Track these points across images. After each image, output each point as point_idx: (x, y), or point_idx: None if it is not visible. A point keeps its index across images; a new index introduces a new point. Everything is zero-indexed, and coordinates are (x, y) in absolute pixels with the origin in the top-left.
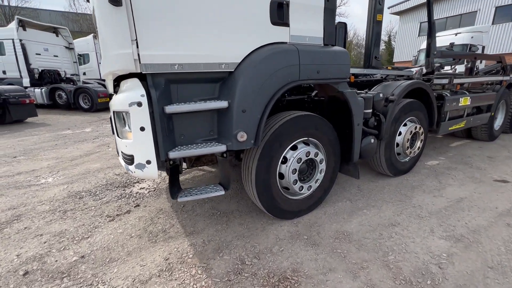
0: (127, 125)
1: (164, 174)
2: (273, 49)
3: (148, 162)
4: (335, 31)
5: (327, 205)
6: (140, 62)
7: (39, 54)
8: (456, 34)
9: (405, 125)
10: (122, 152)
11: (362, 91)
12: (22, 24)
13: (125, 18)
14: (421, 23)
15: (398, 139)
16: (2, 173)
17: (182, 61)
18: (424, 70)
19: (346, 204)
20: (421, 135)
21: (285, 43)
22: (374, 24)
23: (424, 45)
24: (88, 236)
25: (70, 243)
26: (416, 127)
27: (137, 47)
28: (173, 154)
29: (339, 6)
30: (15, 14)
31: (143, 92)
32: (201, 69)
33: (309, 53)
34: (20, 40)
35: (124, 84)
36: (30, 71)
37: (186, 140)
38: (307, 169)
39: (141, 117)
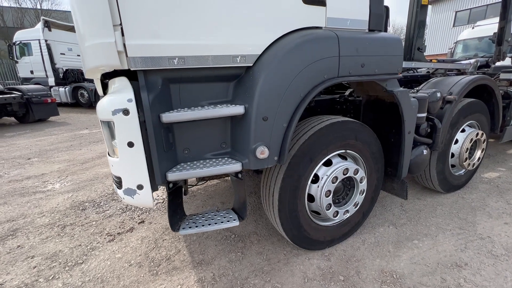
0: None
1: None
2: (305, 36)
3: (140, 187)
4: (384, 13)
5: (365, 230)
6: (126, 56)
7: (64, 54)
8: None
9: (463, 131)
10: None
11: (411, 89)
12: (48, 25)
13: None
14: (456, 12)
15: (454, 148)
16: (13, 177)
17: (184, 53)
18: (481, 64)
19: (390, 231)
20: (483, 143)
21: (320, 28)
22: (418, 8)
23: (463, 35)
24: (83, 261)
25: (61, 269)
26: (477, 134)
27: (122, 34)
28: (172, 176)
29: None
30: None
31: (131, 96)
32: (209, 63)
33: (352, 41)
34: (46, 41)
35: (111, 85)
36: (55, 71)
37: (191, 155)
38: (343, 189)
39: (128, 129)
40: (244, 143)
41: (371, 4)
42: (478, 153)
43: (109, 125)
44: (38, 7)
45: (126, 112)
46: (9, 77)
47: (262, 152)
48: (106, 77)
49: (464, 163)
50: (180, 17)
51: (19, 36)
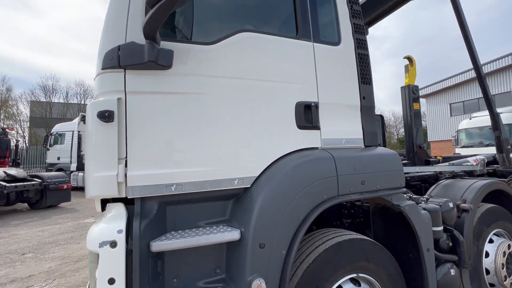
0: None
1: None
2: (301, 158)
3: None
4: (377, 130)
5: None
6: (126, 185)
7: None
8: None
9: (491, 241)
10: None
11: (420, 198)
12: (84, 119)
13: (114, 135)
14: (450, 104)
15: (487, 263)
16: None
17: (182, 180)
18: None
19: None
20: None
21: (316, 148)
22: (412, 113)
23: (463, 125)
24: None
25: None
26: (509, 246)
27: (126, 166)
28: None
29: None
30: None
31: (122, 226)
32: (206, 188)
33: (349, 160)
34: (79, 132)
35: (108, 209)
36: (79, 157)
37: (181, 283)
38: None
39: (112, 263)
40: (239, 273)
41: (363, 124)
42: None
43: (94, 256)
44: (82, 102)
45: (113, 244)
46: (38, 162)
47: (259, 286)
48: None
49: (505, 283)
50: (181, 148)
51: (57, 128)
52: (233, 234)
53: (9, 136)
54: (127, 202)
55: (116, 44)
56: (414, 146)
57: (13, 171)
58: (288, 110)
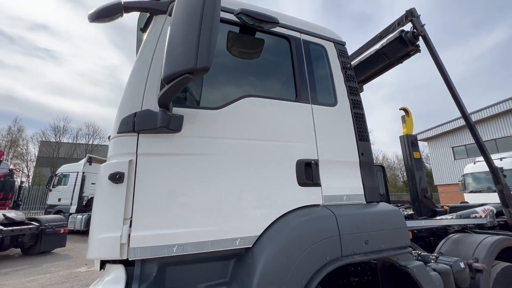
0: None
1: None
2: (302, 216)
3: None
4: (377, 185)
5: None
6: (128, 246)
7: (94, 184)
8: (501, 159)
9: None
10: None
11: (430, 256)
12: (90, 161)
13: (123, 195)
14: (453, 148)
15: None
16: None
17: (183, 241)
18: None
19: None
20: None
21: (318, 205)
22: (413, 162)
23: (468, 169)
24: None
25: None
26: None
27: (130, 226)
28: None
29: None
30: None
31: None
32: (208, 248)
33: (351, 218)
34: (83, 173)
35: (107, 271)
36: (80, 198)
37: None
38: None
39: None
40: None
41: (363, 180)
42: None
43: None
44: (90, 143)
45: None
46: (39, 202)
47: None
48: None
49: None
50: (185, 209)
51: (63, 169)
52: None
53: (15, 177)
54: (127, 263)
55: (133, 111)
56: (419, 195)
57: (12, 213)
58: (289, 168)
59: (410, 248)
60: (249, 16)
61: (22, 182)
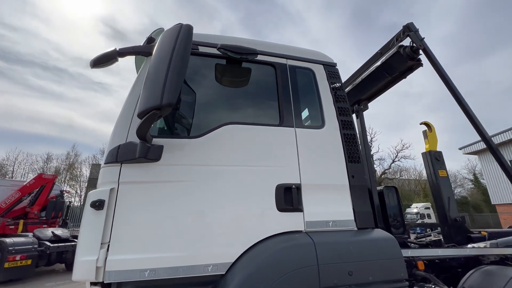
0: None
1: None
2: (277, 244)
3: None
4: (370, 210)
5: None
6: (104, 269)
7: None
8: None
9: None
10: None
11: None
12: None
13: (101, 221)
14: (510, 161)
15: None
16: None
17: (155, 266)
18: None
19: None
20: None
21: (299, 231)
22: (438, 181)
23: None
24: None
25: None
26: None
27: (107, 250)
28: None
29: (402, 150)
30: None
31: None
32: (179, 274)
33: (333, 246)
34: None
35: None
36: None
37: None
38: None
39: None
40: None
41: (354, 204)
42: None
43: None
44: None
45: None
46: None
47: None
48: None
49: None
50: (159, 232)
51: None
52: None
53: (65, 198)
54: (107, 285)
55: (118, 144)
56: (448, 219)
57: (59, 231)
58: (268, 194)
59: (407, 282)
60: (228, 50)
61: (70, 202)
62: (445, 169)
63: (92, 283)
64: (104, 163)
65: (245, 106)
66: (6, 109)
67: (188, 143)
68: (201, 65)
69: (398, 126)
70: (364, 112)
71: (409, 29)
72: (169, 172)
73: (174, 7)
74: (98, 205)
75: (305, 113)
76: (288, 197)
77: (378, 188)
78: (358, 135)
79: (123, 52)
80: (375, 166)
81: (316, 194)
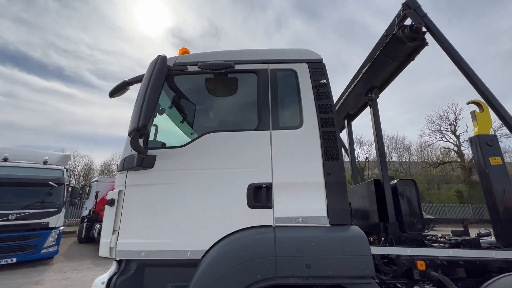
0: None
1: None
2: (244, 235)
3: None
4: (347, 207)
5: None
6: (116, 249)
7: None
8: None
9: None
10: None
11: None
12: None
13: (113, 214)
14: None
15: None
16: None
17: (149, 249)
18: None
19: None
20: None
21: (270, 226)
22: (489, 171)
23: None
24: None
25: None
26: None
27: (117, 236)
28: None
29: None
30: None
31: (106, 279)
32: (166, 256)
33: (293, 240)
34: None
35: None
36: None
37: None
38: None
39: None
40: None
41: (328, 201)
42: None
43: None
44: None
45: None
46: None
47: None
48: None
49: None
50: (152, 223)
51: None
52: None
53: None
54: (120, 261)
55: (125, 156)
56: (501, 215)
57: None
58: (240, 192)
59: (373, 280)
60: (206, 68)
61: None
62: (500, 155)
63: (116, 260)
64: (117, 171)
65: (228, 114)
66: (112, 119)
67: (176, 152)
68: (191, 82)
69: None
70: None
71: (408, 7)
72: (160, 177)
73: (229, 4)
74: (111, 202)
75: (287, 115)
76: (258, 195)
77: (393, 182)
78: (373, 123)
79: (131, 82)
80: (462, 148)
81: (288, 192)
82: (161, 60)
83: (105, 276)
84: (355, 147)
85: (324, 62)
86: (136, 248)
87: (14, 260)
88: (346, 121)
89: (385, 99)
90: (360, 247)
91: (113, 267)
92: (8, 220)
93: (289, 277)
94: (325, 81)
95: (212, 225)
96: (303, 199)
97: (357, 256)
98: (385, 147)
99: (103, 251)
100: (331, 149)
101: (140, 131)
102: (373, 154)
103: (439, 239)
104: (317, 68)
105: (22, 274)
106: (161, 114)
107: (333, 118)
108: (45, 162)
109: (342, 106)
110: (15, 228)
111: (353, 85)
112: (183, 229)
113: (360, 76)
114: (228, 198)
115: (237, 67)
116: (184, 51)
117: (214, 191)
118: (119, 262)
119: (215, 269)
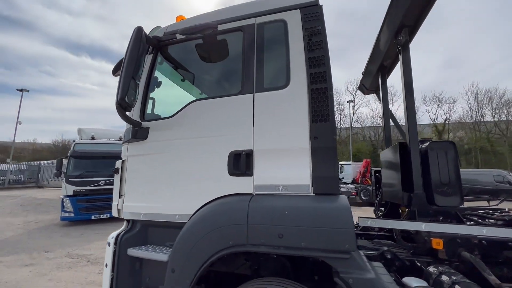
0: None
1: None
2: (219, 203)
3: None
4: (336, 174)
5: None
6: (122, 211)
7: None
8: None
9: None
10: None
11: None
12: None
13: (118, 182)
14: None
15: None
16: None
17: (146, 211)
18: None
19: None
20: None
21: (250, 194)
22: None
23: None
24: None
25: None
26: None
27: (123, 199)
28: None
29: None
30: None
31: (115, 234)
32: (159, 219)
33: (266, 209)
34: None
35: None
36: None
37: (152, 282)
38: None
39: (108, 255)
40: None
41: (313, 169)
42: None
43: None
44: None
45: (109, 244)
46: None
47: None
48: None
49: None
50: (147, 189)
51: None
52: (162, 256)
53: None
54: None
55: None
56: None
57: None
58: (222, 160)
59: (350, 254)
60: (188, 33)
61: None
62: None
63: (126, 220)
64: (122, 143)
65: (214, 80)
66: None
67: (166, 123)
68: (183, 50)
69: None
70: None
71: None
72: (153, 147)
73: None
74: (115, 171)
75: (273, 75)
76: (238, 163)
77: (424, 145)
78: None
79: None
80: None
81: (270, 159)
82: (136, 32)
83: (117, 233)
84: (432, 106)
85: (321, 4)
86: (136, 210)
87: (108, 215)
88: (380, 75)
89: (475, 43)
90: (341, 219)
91: (124, 226)
92: (99, 185)
93: (260, 245)
94: (320, 27)
95: (197, 192)
96: (286, 167)
97: (336, 229)
98: (475, 104)
99: (114, 212)
100: (321, 109)
101: (121, 104)
102: (454, 113)
103: (493, 215)
104: (312, 13)
105: (113, 226)
106: (158, 86)
107: (325, 72)
108: (120, 139)
109: (373, 55)
110: (105, 191)
111: (382, 26)
112: (171, 195)
113: (387, 11)
114: (211, 166)
115: (224, 26)
116: (181, 19)
117: (199, 160)
118: (128, 221)
119: (192, 232)
